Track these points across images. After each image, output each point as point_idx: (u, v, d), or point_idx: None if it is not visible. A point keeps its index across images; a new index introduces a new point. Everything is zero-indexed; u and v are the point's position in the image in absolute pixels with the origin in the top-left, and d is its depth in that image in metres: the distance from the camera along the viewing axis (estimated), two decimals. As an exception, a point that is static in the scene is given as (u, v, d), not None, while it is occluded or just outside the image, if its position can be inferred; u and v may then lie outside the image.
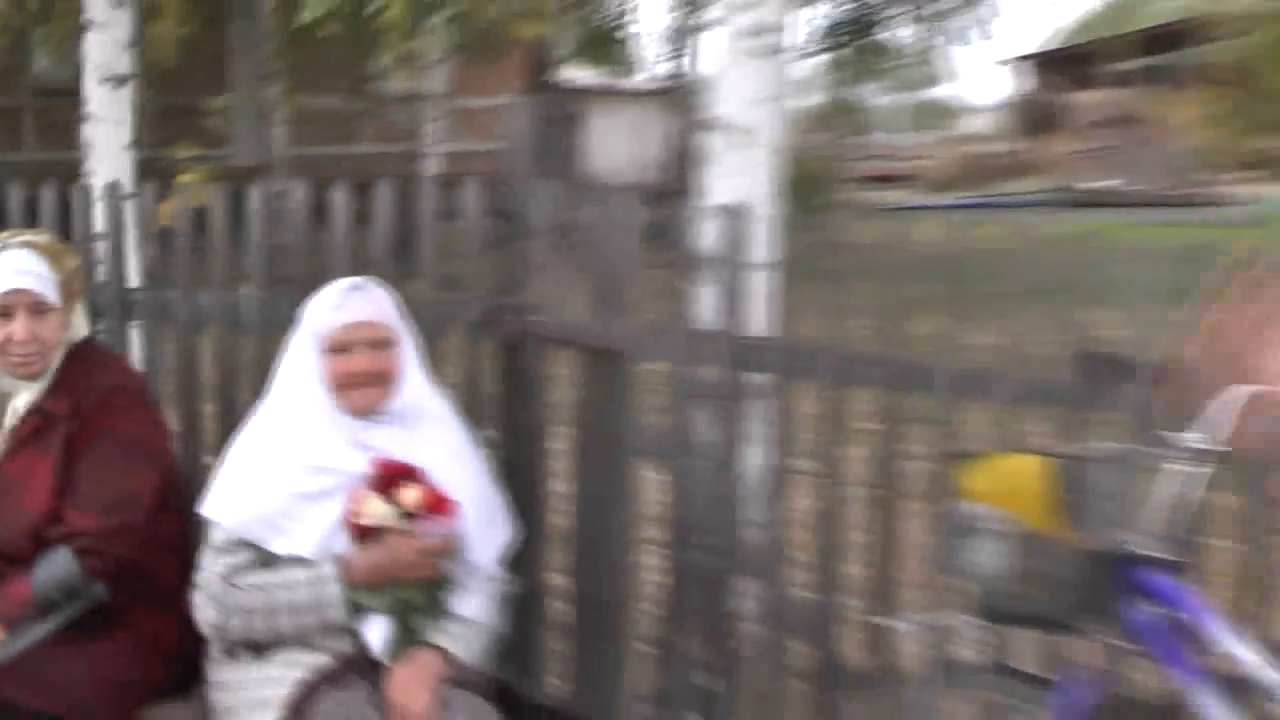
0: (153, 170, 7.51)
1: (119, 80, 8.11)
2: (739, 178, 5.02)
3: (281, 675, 3.73)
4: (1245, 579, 3.92)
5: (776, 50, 5.16)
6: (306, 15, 7.89)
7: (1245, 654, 3.41)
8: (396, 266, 4.49)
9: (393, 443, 3.87)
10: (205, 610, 3.79)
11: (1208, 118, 13.49)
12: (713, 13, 5.15)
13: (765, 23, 5.08)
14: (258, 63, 17.44)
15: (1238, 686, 3.45)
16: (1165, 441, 3.54)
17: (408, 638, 3.75)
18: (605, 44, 28.24)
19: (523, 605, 4.34)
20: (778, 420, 4.44)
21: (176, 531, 4.02)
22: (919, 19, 25.63)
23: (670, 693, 4.54)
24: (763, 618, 4.52)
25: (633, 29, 27.94)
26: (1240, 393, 3.46)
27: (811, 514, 4.42)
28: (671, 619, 4.55)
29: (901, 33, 26.15)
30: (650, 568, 4.67)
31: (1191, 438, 3.43)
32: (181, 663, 3.95)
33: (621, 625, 4.58)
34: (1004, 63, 43.59)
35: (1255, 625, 3.79)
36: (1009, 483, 3.49)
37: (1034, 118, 40.83)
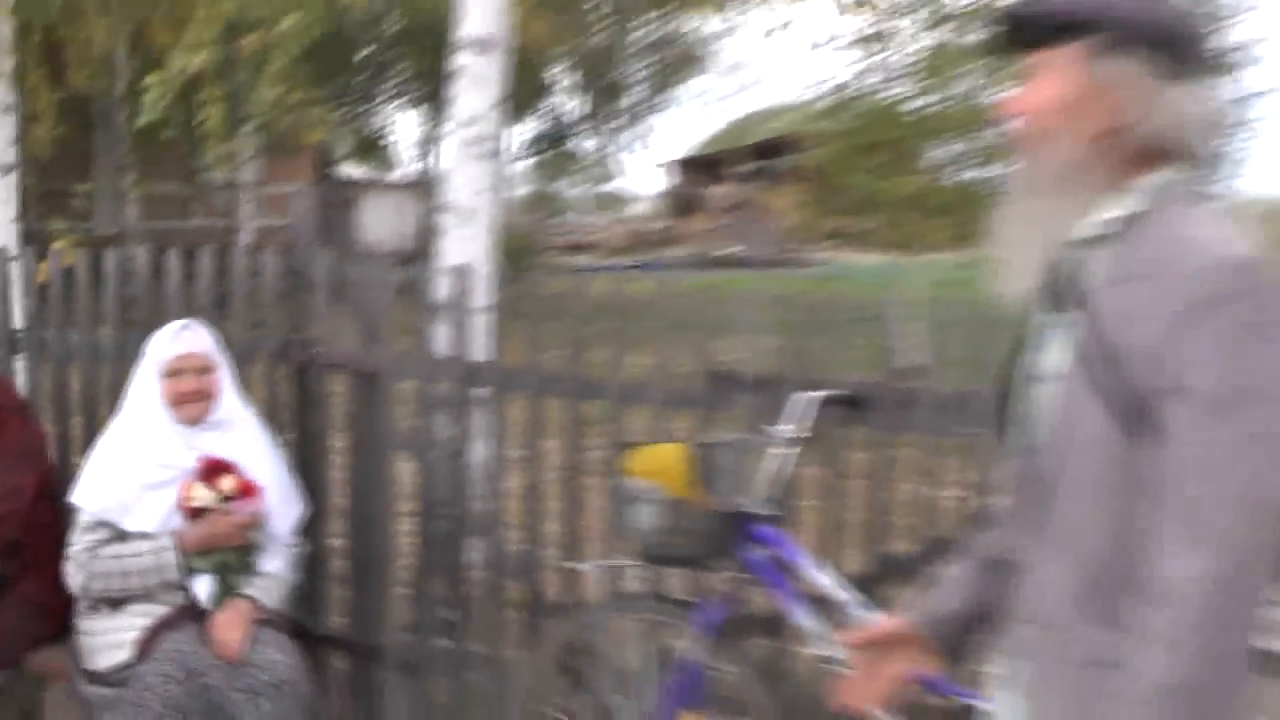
0: (33, 238, 7.35)
1: (6, 169, 7.92)
2: (465, 246, 5.04)
3: (132, 623, 3.76)
4: (825, 528, 4.06)
5: (492, 154, 5.22)
6: (142, 120, 7.77)
7: (825, 581, 3.62)
8: (215, 312, 4.48)
9: (214, 444, 3.92)
10: (74, 576, 3.80)
11: (798, 204, 13.79)
12: (447, 126, 5.20)
13: (484, 134, 5.14)
14: (115, 157, 17.16)
15: (821, 604, 3.65)
16: (767, 432, 3.75)
17: (226, 591, 3.81)
18: (372, 148, 28.04)
19: (311, 562, 4.35)
20: (495, 422, 4.51)
21: (52, 516, 3.96)
22: (598, 134, 25.97)
23: (421, 624, 4.57)
24: (487, 566, 4.57)
25: (392, 137, 27.76)
26: (809, 395, 3.65)
27: (520, 489, 4.50)
28: (421, 570, 4.57)
29: (586, 143, 26.44)
30: (405, 532, 4.66)
31: (783, 429, 3.65)
32: (57, 617, 3.90)
33: (385, 575, 4.60)
34: (659, 164, 43.92)
35: (832, 561, 3.94)
36: (660, 464, 3.61)
37: (680, 203, 41.12)
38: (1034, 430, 1.93)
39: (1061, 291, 1.89)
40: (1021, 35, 1.93)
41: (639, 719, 3.84)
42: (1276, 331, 1.71)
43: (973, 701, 3.45)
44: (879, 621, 2.35)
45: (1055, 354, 1.90)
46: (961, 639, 2.20)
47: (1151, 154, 1.85)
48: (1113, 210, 1.85)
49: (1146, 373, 1.74)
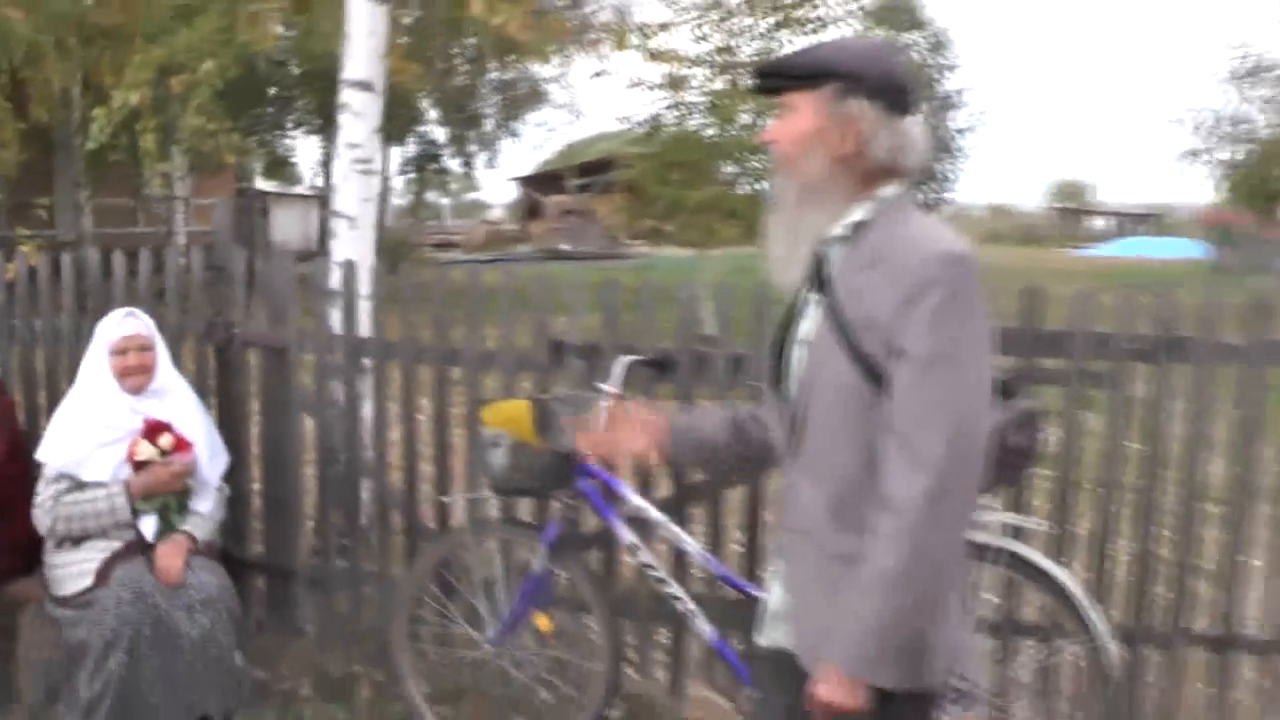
0: (2, 244, 7.04)
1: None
2: (352, 245, 4.97)
3: (91, 556, 3.66)
4: (640, 464, 4.02)
5: (372, 172, 5.17)
6: (92, 144, 7.59)
7: (641, 504, 3.61)
8: (154, 301, 4.34)
9: (154, 409, 3.79)
10: (42, 520, 3.69)
11: (618, 210, 13.93)
12: (338, 148, 5.10)
13: (365, 156, 5.09)
14: (72, 175, 16.69)
15: (639, 523, 3.64)
16: (594, 388, 3.71)
17: (167, 527, 3.71)
18: (281, 166, 27.55)
19: (235, 502, 4.22)
20: (379, 385, 4.42)
21: (22, 471, 3.83)
22: (460, 154, 25.88)
23: (325, 549, 4.50)
24: (376, 501, 4.53)
25: (297, 158, 27.30)
26: (626, 359, 3.63)
27: (401, 439, 4.42)
28: (324, 505, 4.49)
29: (451, 162, 26.31)
30: (310, 476, 4.56)
31: (606, 386, 3.60)
32: (28, 554, 3.79)
33: (295, 511, 4.50)
34: (509, 179, 44.05)
35: (647, 489, 3.96)
36: (509, 416, 3.55)
37: (526, 209, 41.30)
38: (794, 380, 2.06)
39: (816, 277, 2.02)
40: (776, 82, 2.06)
41: (499, 618, 3.77)
42: (969, 311, 1.87)
43: (757, 594, 3.47)
44: (643, 409, 2.43)
45: (810, 323, 2.03)
46: (688, 455, 2.42)
47: (880, 172, 1.99)
48: (852, 215, 1.99)
49: (879, 339, 1.89)
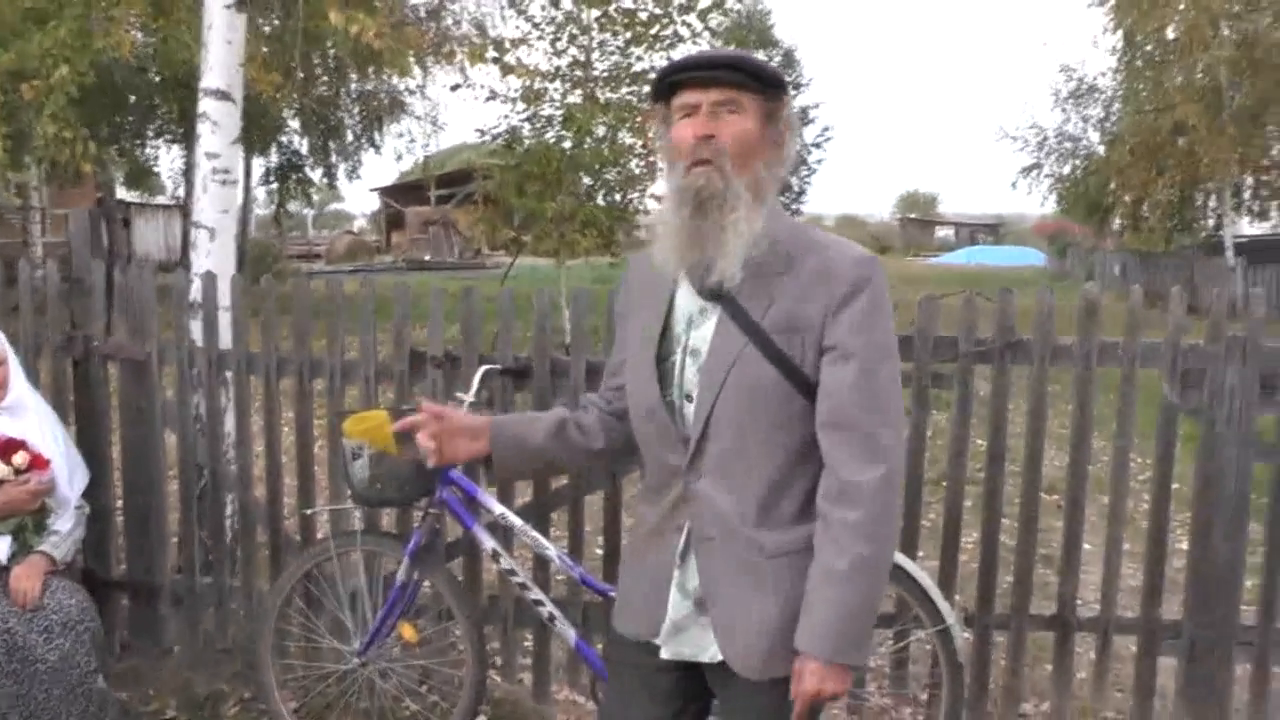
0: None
1: None
2: (213, 257, 4.86)
3: None
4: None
5: (233, 182, 5.06)
6: None
7: (502, 511, 3.62)
8: (7, 313, 4.20)
9: (6, 426, 3.64)
10: None
11: (479, 221, 13.89)
12: (197, 158, 4.99)
13: (226, 165, 4.99)
14: None
15: (501, 529, 3.66)
16: (454, 396, 3.73)
17: (23, 548, 3.59)
18: (144, 176, 26.68)
19: (97, 520, 4.07)
20: (240, 398, 4.34)
21: None
22: (324, 166, 25.49)
23: (190, 565, 4.39)
24: (240, 515, 4.47)
25: (159, 167, 26.48)
26: (484, 368, 3.69)
27: (264, 452, 4.35)
28: (187, 521, 4.38)
29: (314, 172, 25.87)
30: (173, 491, 4.49)
31: (465, 395, 3.63)
32: None
33: (158, 527, 4.39)
34: (372, 190, 43.53)
35: (508, 497, 3.97)
36: (370, 426, 3.50)
37: (388, 220, 41.01)
38: (686, 390, 2.04)
39: (718, 284, 1.98)
40: (736, 77, 1.98)
41: (364, 630, 3.75)
42: (889, 310, 1.98)
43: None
44: (465, 413, 2.31)
45: (706, 331, 2.01)
46: (512, 461, 2.26)
47: (776, 182, 2.03)
48: (760, 219, 1.98)
49: (804, 341, 1.95)
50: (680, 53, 13.01)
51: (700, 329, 2.03)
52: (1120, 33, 21.26)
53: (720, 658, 2.04)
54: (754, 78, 1.99)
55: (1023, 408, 3.88)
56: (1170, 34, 19.90)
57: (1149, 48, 20.86)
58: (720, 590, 2.02)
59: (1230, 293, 3.94)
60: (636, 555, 2.17)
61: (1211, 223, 21.50)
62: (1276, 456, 3.75)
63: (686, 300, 2.06)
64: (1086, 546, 4.07)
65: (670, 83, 2.02)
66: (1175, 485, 3.90)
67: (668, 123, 2.05)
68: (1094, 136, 23.88)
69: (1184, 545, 4.07)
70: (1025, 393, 3.85)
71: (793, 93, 2.16)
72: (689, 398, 2.03)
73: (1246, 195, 21.01)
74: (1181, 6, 19.02)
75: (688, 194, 1.96)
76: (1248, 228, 21.82)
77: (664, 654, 2.10)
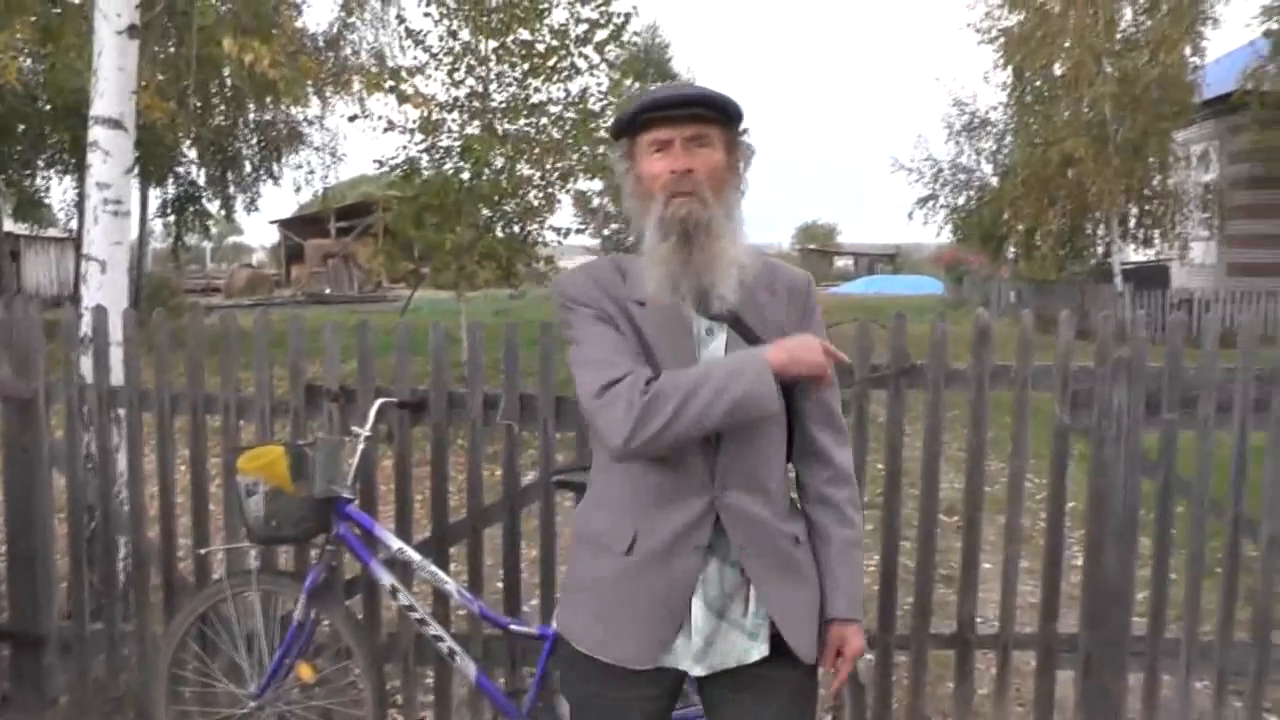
0: None
1: None
2: (104, 290, 4.73)
3: None
4: (399, 505, 4.02)
5: (125, 213, 4.91)
6: None
7: (400, 547, 3.57)
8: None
9: None
10: None
11: (378, 253, 13.78)
12: (88, 188, 4.85)
13: (118, 195, 4.84)
14: None
15: (399, 565, 3.61)
16: (350, 431, 3.68)
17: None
18: (33, 207, 25.85)
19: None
20: (132, 436, 4.22)
21: None
22: (221, 198, 24.98)
23: (80, 609, 4.24)
24: (132, 557, 4.33)
25: (49, 198, 25.69)
26: (380, 401, 3.67)
27: (157, 491, 4.22)
28: (76, 565, 4.24)
29: (212, 204, 25.34)
30: (62, 535, 4.34)
31: (360, 429, 3.58)
32: None
33: (45, 571, 4.23)
34: (270, 222, 42.96)
35: (405, 531, 3.93)
36: (265, 463, 3.46)
37: (287, 253, 40.50)
38: None
39: (717, 304, 2.08)
40: (707, 113, 2.08)
41: (262, 671, 3.66)
42: None
43: (518, 628, 3.49)
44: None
45: (716, 350, 2.11)
46: None
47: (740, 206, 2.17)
48: (741, 244, 2.11)
49: None
50: (578, 85, 13.12)
51: (709, 347, 2.12)
52: (1010, 69, 21.87)
53: (751, 659, 2.12)
54: (722, 112, 2.09)
55: (919, 431, 3.93)
56: (1057, 70, 20.50)
57: (1038, 83, 21.46)
58: (772, 589, 2.11)
59: (1118, 317, 4.05)
60: (620, 582, 2.12)
61: (1101, 250, 22.10)
62: (1161, 472, 3.85)
63: (691, 320, 2.13)
64: (985, 565, 4.13)
65: (638, 120, 2.10)
66: (1071, 504, 3.97)
67: (631, 158, 2.13)
68: (987, 168, 24.51)
69: (1079, 561, 4.14)
70: (921, 417, 3.90)
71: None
72: None
73: (1132, 224, 21.64)
74: (1067, 45, 19.61)
75: (673, 225, 2.04)
76: (1134, 255, 22.48)
77: (698, 671, 2.13)
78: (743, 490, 2.09)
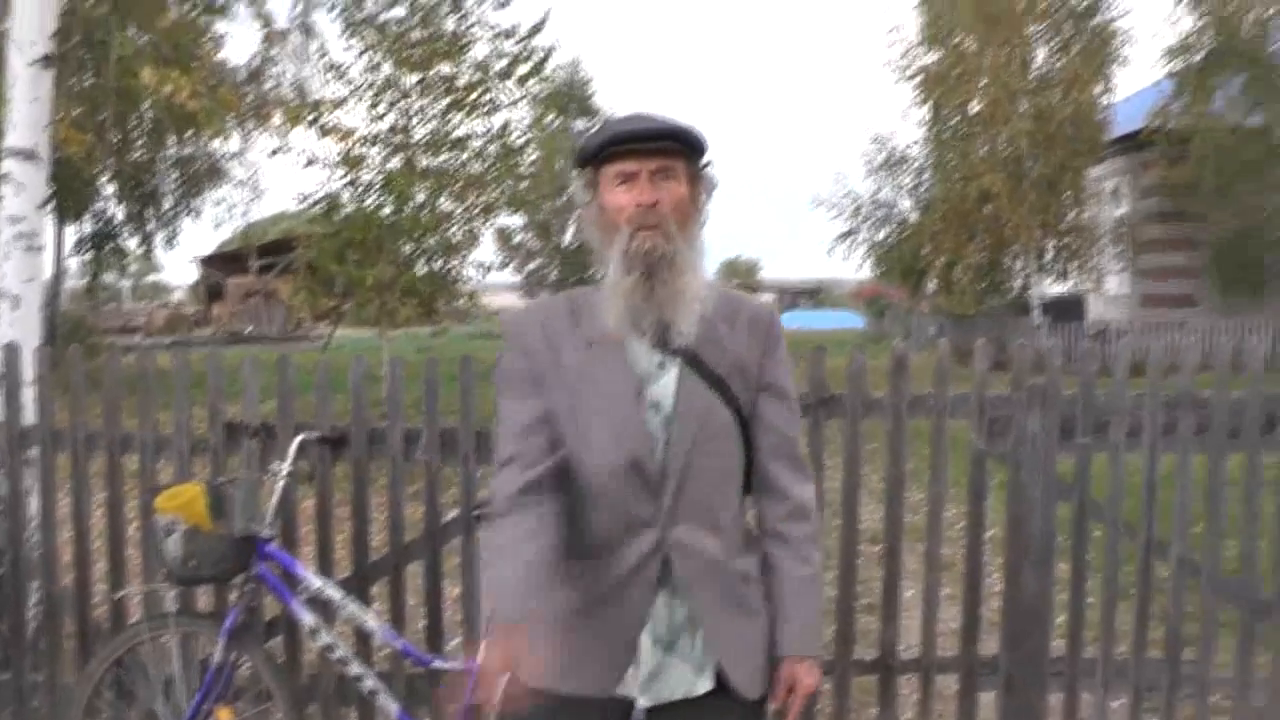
0: None
1: None
2: (16, 328, 4.61)
3: None
4: (320, 543, 3.99)
5: (39, 248, 4.82)
6: None
7: (321, 585, 3.54)
8: None
9: None
10: None
11: (300, 290, 13.59)
12: (0, 222, 4.74)
13: (32, 229, 4.75)
14: None
15: (318, 603, 3.57)
16: (270, 468, 3.64)
17: None
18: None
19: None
20: (44, 476, 4.14)
21: None
22: (141, 235, 24.48)
23: None
24: (43, 603, 4.21)
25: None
26: (300, 437, 3.65)
27: (71, 533, 4.13)
28: None
29: (130, 241, 24.81)
30: None
31: (281, 465, 3.54)
32: None
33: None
34: (191, 259, 42.34)
35: (326, 569, 3.90)
36: (182, 502, 3.41)
37: (208, 291, 39.91)
38: (655, 441, 2.08)
39: (677, 339, 2.08)
40: (673, 145, 2.09)
41: (180, 718, 3.62)
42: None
43: (441, 665, 3.48)
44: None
45: (668, 384, 2.09)
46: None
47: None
48: (703, 277, 2.12)
49: (746, 382, 2.15)
50: (500, 119, 13.15)
51: (659, 382, 2.09)
52: (928, 106, 22.28)
53: (699, 692, 2.12)
54: (688, 145, 2.10)
55: (839, 464, 3.98)
56: (974, 108, 20.93)
57: (955, 120, 21.87)
58: (718, 624, 2.11)
59: (1036, 347, 4.15)
60: (581, 616, 2.11)
61: (1019, 283, 22.51)
62: (1076, 496, 3.93)
63: (640, 356, 2.11)
64: (907, 593, 4.19)
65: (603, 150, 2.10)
66: (990, 530, 4.04)
67: (595, 188, 2.12)
68: (906, 204, 24.82)
69: (999, 587, 4.21)
70: (841, 449, 3.95)
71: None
72: (653, 450, 2.08)
73: (1049, 257, 22.08)
74: (983, 83, 20.04)
75: (636, 259, 2.04)
76: (1052, 288, 22.93)
77: (644, 702, 2.12)
78: (693, 525, 2.08)
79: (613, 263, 2.06)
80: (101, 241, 24.05)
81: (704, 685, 2.12)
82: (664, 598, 2.09)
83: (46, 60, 4.80)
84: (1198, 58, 19.36)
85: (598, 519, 2.10)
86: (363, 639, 3.84)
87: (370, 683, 3.47)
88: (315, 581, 3.54)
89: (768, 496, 2.20)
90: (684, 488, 2.07)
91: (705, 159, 2.16)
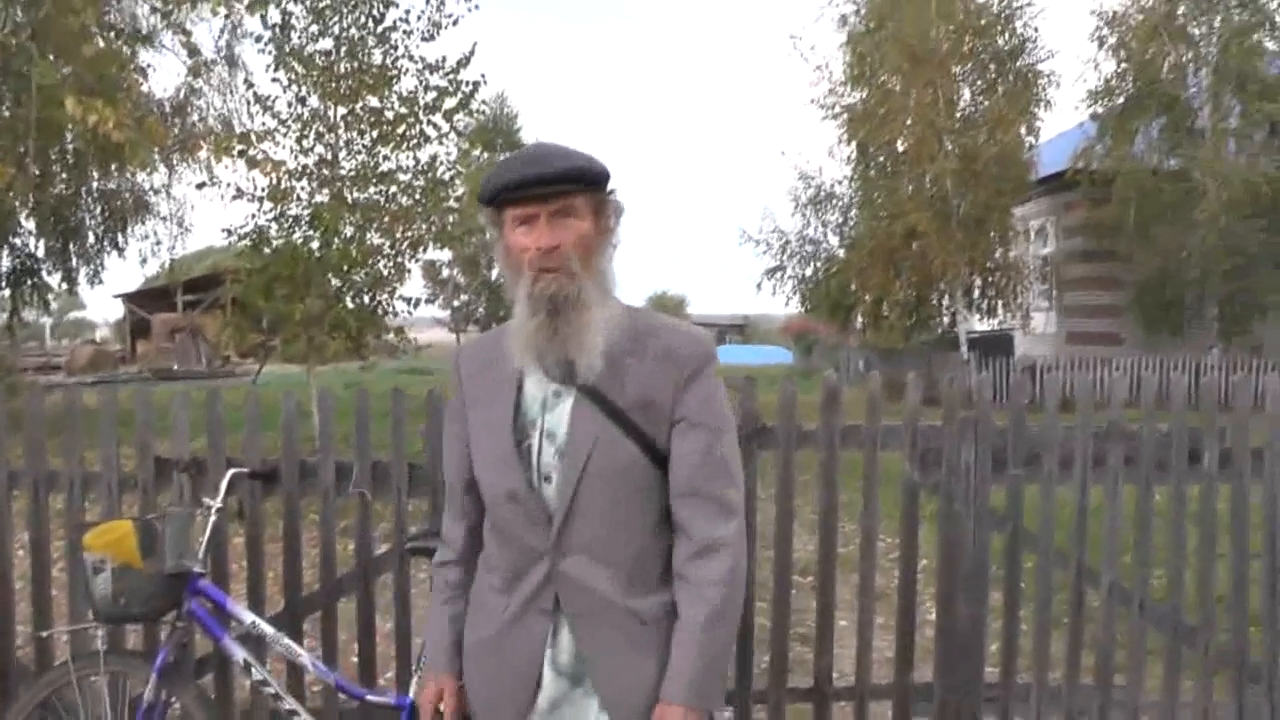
0: None
1: None
2: None
3: None
4: (251, 578, 3.95)
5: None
6: None
7: (253, 620, 3.51)
8: None
9: None
10: None
11: (226, 326, 13.43)
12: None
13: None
14: None
15: (251, 639, 3.55)
16: (202, 503, 3.61)
17: None
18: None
19: None
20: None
21: None
22: (63, 270, 23.98)
23: None
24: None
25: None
26: (231, 472, 3.63)
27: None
28: None
29: (51, 277, 24.30)
30: None
31: (211, 501, 3.52)
32: None
33: None
34: (116, 296, 41.47)
35: (258, 604, 3.86)
36: (110, 539, 3.38)
37: (133, 328, 39.22)
38: (547, 473, 2.08)
39: (584, 373, 2.03)
40: (569, 186, 2.04)
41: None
42: (721, 382, 2.15)
43: (374, 699, 3.46)
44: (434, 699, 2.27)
45: (562, 415, 2.08)
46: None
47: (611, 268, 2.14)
48: (611, 310, 2.07)
49: (656, 416, 2.07)
50: (427, 152, 13.15)
51: (554, 411, 2.09)
52: (854, 144, 22.62)
53: None
54: (585, 181, 2.06)
55: (772, 496, 4.02)
56: (900, 146, 21.29)
57: (881, 159, 22.22)
58: (601, 661, 2.08)
59: (963, 383, 4.24)
60: (493, 645, 2.15)
61: (947, 320, 22.84)
62: (1008, 526, 4.01)
63: (536, 386, 2.11)
64: (841, 623, 4.23)
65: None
66: (924, 561, 4.10)
67: (498, 226, 2.10)
68: (834, 240, 25.04)
69: (932, 616, 4.28)
70: (773, 482, 4.00)
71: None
72: (548, 479, 2.08)
73: (976, 294, 22.45)
74: (909, 122, 20.41)
75: (540, 301, 2.02)
76: (979, 324, 23.29)
77: None
78: (584, 559, 2.06)
79: (518, 303, 2.07)
80: (20, 278, 23.53)
81: None
82: (567, 629, 2.10)
83: (-34, 90, 4.74)
84: (1119, 100, 19.89)
85: (502, 544, 2.15)
86: (295, 674, 3.81)
87: (304, 718, 3.44)
88: (247, 617, 3.51)
89: (677, 535, 2.11)
90: (572, 520, 2.06)
91: (608, 187, 2.12)
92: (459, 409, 2.24)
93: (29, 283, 23.99)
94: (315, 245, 11.88)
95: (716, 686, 2.08)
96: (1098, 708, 4.08)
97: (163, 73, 48.31)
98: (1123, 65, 19.99)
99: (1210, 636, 4.10)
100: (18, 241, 22.69)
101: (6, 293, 24.13)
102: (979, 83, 21.04)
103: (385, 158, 13.04)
